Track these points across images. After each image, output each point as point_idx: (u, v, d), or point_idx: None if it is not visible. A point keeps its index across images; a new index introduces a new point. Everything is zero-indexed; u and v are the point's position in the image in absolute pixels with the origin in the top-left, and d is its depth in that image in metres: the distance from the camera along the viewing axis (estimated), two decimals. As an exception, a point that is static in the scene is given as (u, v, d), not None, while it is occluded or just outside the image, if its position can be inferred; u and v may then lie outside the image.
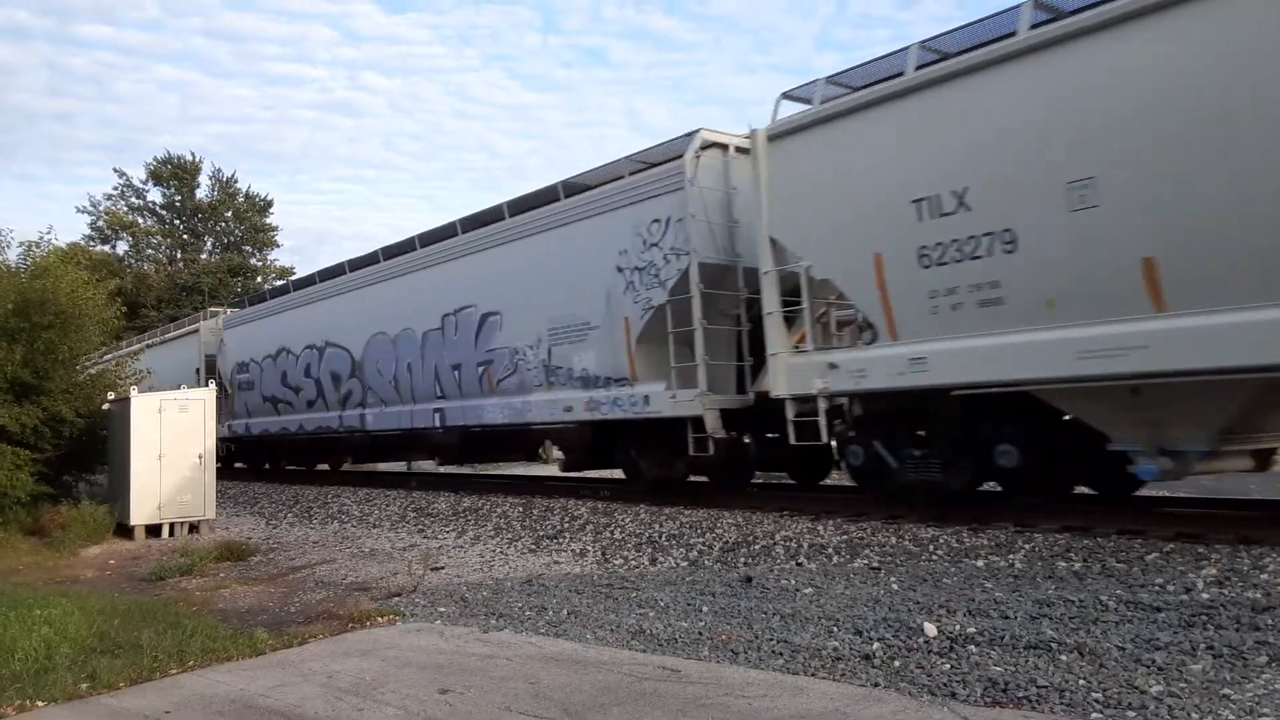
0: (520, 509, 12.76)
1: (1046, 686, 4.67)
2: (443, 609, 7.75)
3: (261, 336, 22.00)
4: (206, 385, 20.05)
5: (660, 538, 10.10)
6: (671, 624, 6.57)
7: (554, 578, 8.85)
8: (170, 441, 14.57)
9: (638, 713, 4.67)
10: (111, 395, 16.12)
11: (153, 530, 14.35)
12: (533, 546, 10.81)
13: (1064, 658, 5.10)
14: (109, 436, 16.04)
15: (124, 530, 14.32)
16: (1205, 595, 5.97)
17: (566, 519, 11.71)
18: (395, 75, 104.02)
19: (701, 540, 9.71)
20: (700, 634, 6.23)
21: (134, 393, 14.95)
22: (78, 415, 15.24)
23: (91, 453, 16.58)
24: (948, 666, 5.16)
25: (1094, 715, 4.31)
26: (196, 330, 25.64)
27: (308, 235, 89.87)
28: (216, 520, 15.13)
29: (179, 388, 22.53)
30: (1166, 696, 4.40)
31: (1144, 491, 11.87)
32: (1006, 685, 4.76)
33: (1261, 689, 4.43)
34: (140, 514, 14.28)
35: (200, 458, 14.80)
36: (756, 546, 9.14)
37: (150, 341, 28.81)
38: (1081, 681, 4.70)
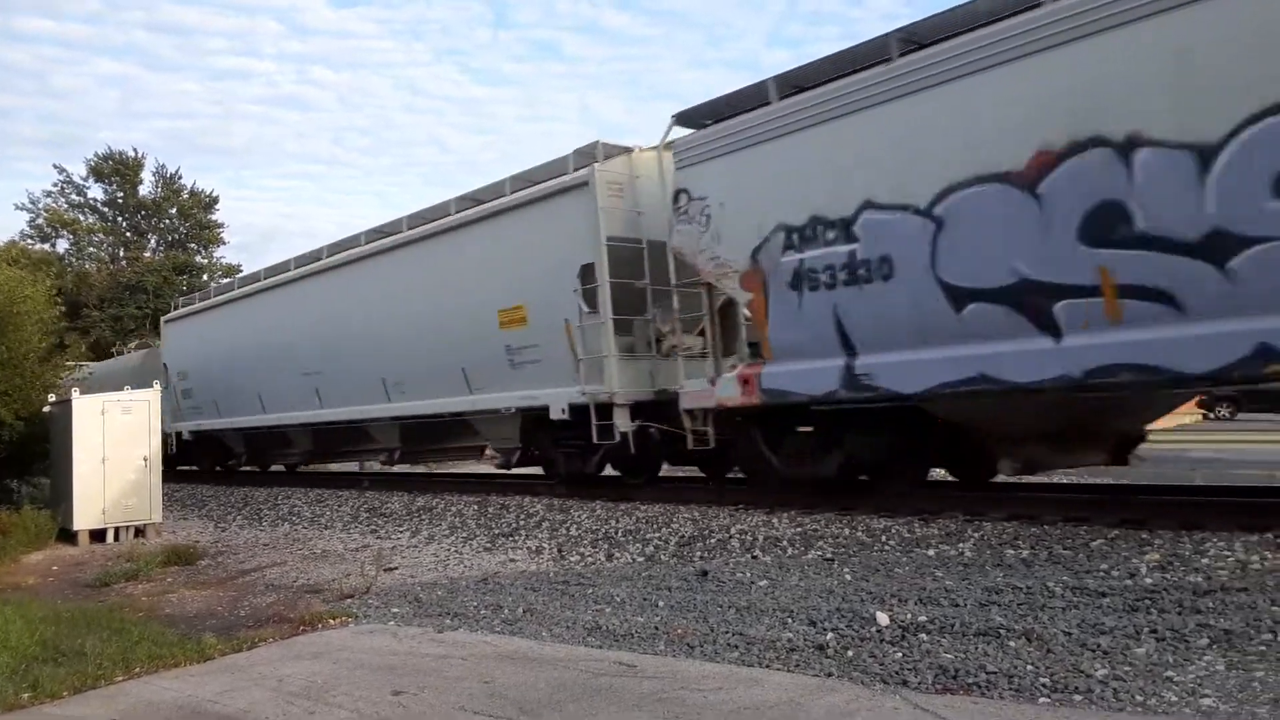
0: (475, 507, 12.68)
1: (996, 672, 4.74)
2: (396, 610, 7.67)
3: (929, 148, 8.17)
4: (591, 293, 11.40)
5: (616, 533, 10.09)
6: (628, 619, 6.57)
7: (509, 576, 8.81)
8: (114, 444, 14.23)
9: (594, 709, 4.66)
10: (52, 397, 15.73)
11: (97, 535, 14.01)
12: (488, 545, 10.74)
13: (1012, 644, 5.18)
14: (50, 440, 15.64)
15: (67, 535, 13.97)
16: (1149, 580, 6.11)
17: (522, 516, 11.65)
18: (344, 69, 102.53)
19: (658, 535, 9.72)
20: (656, 629, 6.24)
21: (75, 395, 14.59)
22: (17, 418, 14.83)
23: (32, 456, 16.16)
24: (900, 655, 5.22)
25: (1042, 700, 4.39)
26: (584, 185, 11.62)
27: (254, 232, 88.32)
28: (163, 524, 14.83)
29: (513, 319, 12.41)
30: (1112, 680, 4.50)
31: (1090, 479, 12.15)
32: (957, 672, 4.83)
33: (1203, 670, 4.55)
34: (84, 519, 13.93)
35: (145, 460, 14.48)
36: (712, 540, 9.17)
37: (447, 223, 14.10)
38: (1029, 667, 4.78)
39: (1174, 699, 4.23)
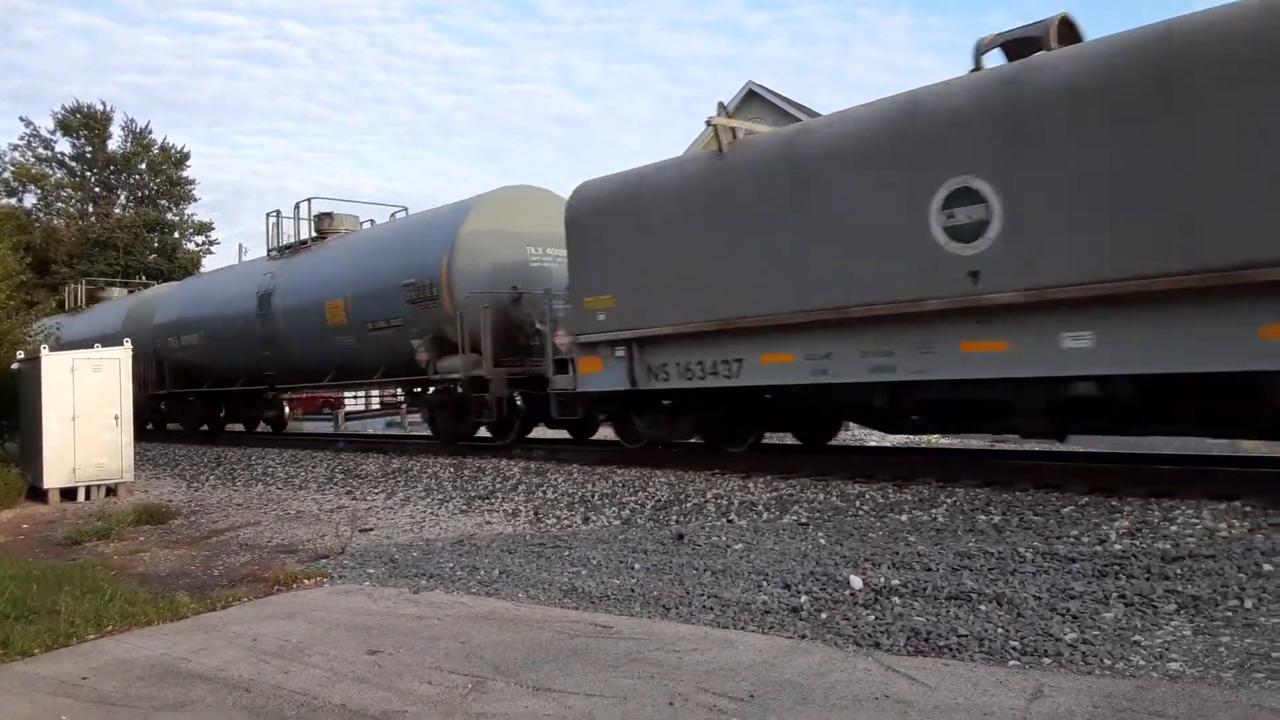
0: (451, 470, 12.66)
1: (967, 635, 4.81)
2: (371, 570, 7.66)
3: None
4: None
5: (593, 497, 10.11)
6: (604, 581, 6.60)
7: (486, 538, 8.82)
8: (84, 402, 14.06)
9: (569, 668, 4.69)
10: (21, 354, 15.49)
11: (68, 494, 13.88)
12: (464, 507, 10.74)
13: (983, 607, 5.25)
14: (20, 397, 15.43)
15: (37, 494, 13.83)
16: (1118, 546, 6.20)
17: (499, 479, 11.65)
18: (317, 24, 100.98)
19: (634, 499, 9.76)
20: (632, 591, 6.27)
21: (45, 352, 14.38)
22: (-15, 375, 14.64)
23: (1, 414, 15.95)
24: (872, 618, 5.28)
25: (1011, 662, 4.45)
26: None
27: (227, 189, 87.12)
28: (135, 483, 14.71)
29: None
30: (1081, 644, 4.57)
31: (1062, 447, 12.29)
32: (928, 635, 4.88)
33: (1170, 635, 4.63)
34: (54, 477, 13.79)
35: (116, 418, 14.32)
36: (688, 504, 9.22)
37: None
38: (1000, 630, 4.85)
39: (1141, 663, 4.31)
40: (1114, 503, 7.24)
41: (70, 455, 13.88)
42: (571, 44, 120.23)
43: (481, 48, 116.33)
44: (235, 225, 54.61)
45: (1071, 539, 6.51)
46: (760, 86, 24.96)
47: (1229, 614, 4.84)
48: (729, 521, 8.49)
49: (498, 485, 11.39)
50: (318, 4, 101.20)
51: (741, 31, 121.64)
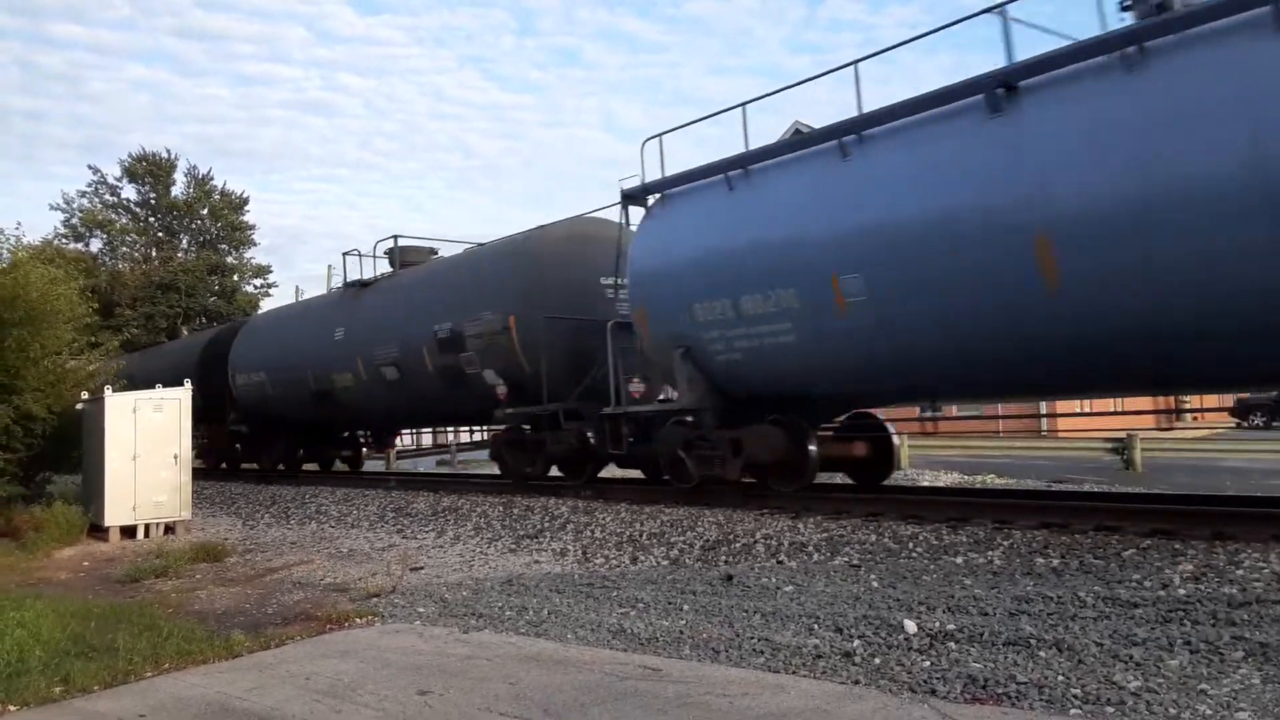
0: (500, 508, 12.70)
1: (1026, 683, 4.69)
2: (422, 609, 7.70)
3: None
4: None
5: (641, 536, 10.08)
6: (652, 623, 6.56)
7: (534, 577, 8.82)
8: (145, 442, 14.39)
9: (619, 712, 4.65)
10: (85, 394, 15.92)
11: (127, 531, 14.16)
12: (513, 546, 10.76)
13: (1043, 654, 5.12)
14: (83, 437, 15.83)
15: (98, 531, 14.13)
16: (1182, 591, 6.02)
17: (547, 518, 11.67)
18: (370, 76, 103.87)
19: (682, 539, 9.70)
20: (681, 633, 6.22)
21: (108, 392, 14.76)
22: (50, 414, 15.03)
23: (65, 453, 16.36)
24: (928, 663, 5.17)
25: (1073, 711, 4.33)
26: None
27: (283, 234, 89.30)
28: (192, 521, 14.97)
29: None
30: (1145, 692, 4.43)
31: (1120, 487, 12.00)
32: (986, 682, 4.77)
33: (1238, 684, 4.47)
34: (115, 515, 14.09)
35: (175, 458, 14.63)
36: (737, 545, 9.14)
37: None
38: (1060, 677, 4.73)
39: (1208, 712, 4.16)
40: (1176, 545, 7.04)
41: (131, 494, 14.17)
42: (614, 89, 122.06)
43: (527, 94, 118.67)
44: (292, 268, 56.37)
45: (1133, 583, 6.34)
46: (806, 126, 25.12)
47: (1301, 663, 4.67)
48: (779, 563, 8.41)
49: (546, 524, 11.40)
50: (371, 55, 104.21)
51: (782, 75, 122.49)
